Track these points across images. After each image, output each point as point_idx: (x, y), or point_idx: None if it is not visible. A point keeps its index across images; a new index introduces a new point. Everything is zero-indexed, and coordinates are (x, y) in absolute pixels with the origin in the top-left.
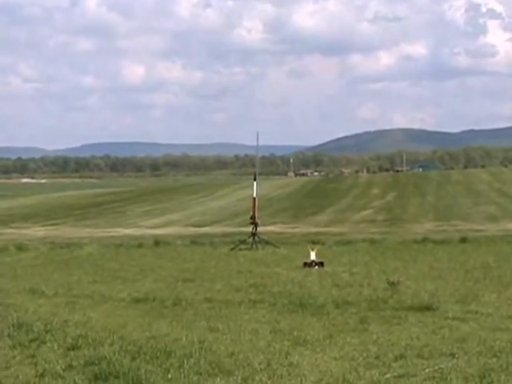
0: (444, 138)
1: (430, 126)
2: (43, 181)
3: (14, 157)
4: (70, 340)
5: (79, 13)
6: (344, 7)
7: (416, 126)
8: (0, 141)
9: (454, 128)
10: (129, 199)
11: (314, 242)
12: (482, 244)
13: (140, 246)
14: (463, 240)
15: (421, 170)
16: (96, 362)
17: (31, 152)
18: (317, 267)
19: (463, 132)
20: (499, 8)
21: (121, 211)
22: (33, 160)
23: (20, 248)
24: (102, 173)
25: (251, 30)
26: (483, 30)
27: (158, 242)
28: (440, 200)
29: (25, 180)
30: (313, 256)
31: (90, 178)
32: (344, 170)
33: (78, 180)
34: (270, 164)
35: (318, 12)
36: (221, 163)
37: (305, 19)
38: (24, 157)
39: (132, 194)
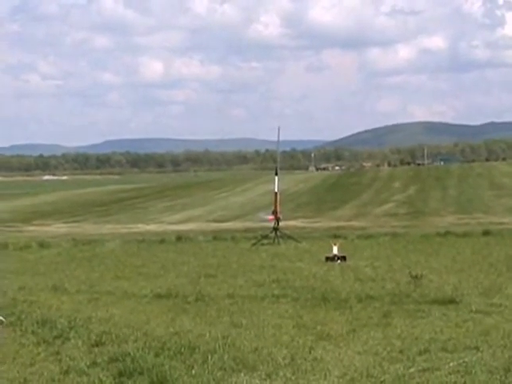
0: (464, 131)
1: (450, 118)
2: (64, 177)
3: (35, 154)
4: (93, 337)
5: (96, 10)
6: (361, 1)
7: (436, 119)
8: (21, 138)
9: (475, 121)
10: (150, 195)
11: (335, 237)
12: (504, 237)
13: (162, 241)
14: (486, 233)
15: (442, 163)
16: (120, 358)
17: (52, 149)
18: (339, 261)
19: (484, 125)
20: None
21: (142, 207)
22: (54, 157)
23: (42, 245)
24: (123, 169)
25: (268, 25)
26: (501, 22)
27: (179, 237)
28: (462, 193)
29: (46, 177)
30: (335, 250)
31: (111, 174)
32: (365, 163)
33: (99, 177)
34: (290, 158)
35: (335, 6)
36: (241, 158)
37: (322, 13)
38: (45, 154)
39: (153, 190)
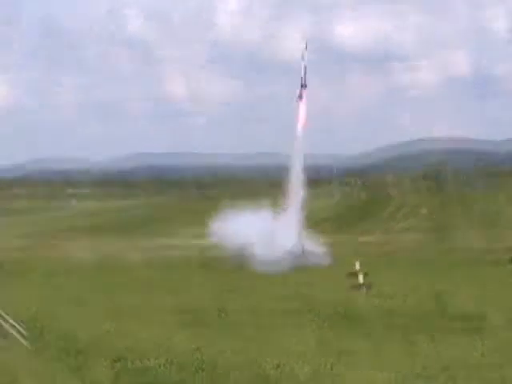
0: (490, 154)
1: (474, 143)
2: (87, 194)
3: (58, 168)
4: (116, 352)
5: (119, 25)
6: (382, 18)
7: (460, 141)
8: (42, 152)
9: (501, 144)
10: (175, 215)
11: (358, 255)
12: None
13: (185, 258)
14: None
15: (468, 188)
16: (143, 373)
17: (76, 164)
18: (365, 290)
19: (508, 144)
20: None
21: (166, 226)
22: (78, 172)
23: (66, 260)
24: (147, 189)
25: (288, 40)
26: None
27: (203, 253)
28: (489, 219)
29: (70, 192)
30: (357, 266)
31: (136, 195)
32: (389, 186)
33: (123, 198)
34: (313, 174)
35: (356, 22)
36: (263, 173)
37: (343, 29)
38: (69, 169)
39: (178, 210)
